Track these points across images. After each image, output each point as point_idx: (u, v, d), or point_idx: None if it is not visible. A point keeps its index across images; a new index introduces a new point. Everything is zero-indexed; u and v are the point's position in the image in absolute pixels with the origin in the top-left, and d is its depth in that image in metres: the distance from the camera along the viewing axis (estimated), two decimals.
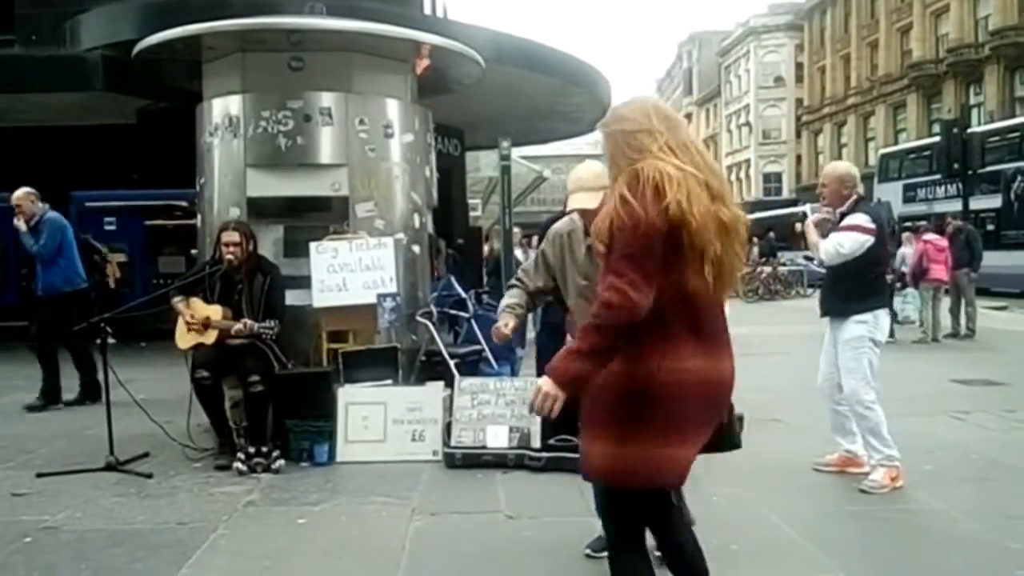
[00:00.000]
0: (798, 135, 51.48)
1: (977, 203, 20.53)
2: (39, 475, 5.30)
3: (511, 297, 3.76)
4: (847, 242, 4.80)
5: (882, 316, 4.96)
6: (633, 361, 2.23)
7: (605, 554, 3.66)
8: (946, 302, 12.57)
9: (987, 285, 16.73)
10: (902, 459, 4.84)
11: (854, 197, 4.99)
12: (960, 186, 20.51)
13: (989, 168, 20.89)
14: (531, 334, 8.59)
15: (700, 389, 2.26)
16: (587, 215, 3.33)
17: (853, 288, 4.92)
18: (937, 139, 22.70)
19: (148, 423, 5.84)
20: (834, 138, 46.14)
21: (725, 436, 2.44)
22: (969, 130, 20.71)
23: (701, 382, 2.26)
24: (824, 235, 4.98)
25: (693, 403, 2.26)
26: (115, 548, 4.04)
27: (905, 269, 12.67)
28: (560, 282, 3.64)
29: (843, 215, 4.93)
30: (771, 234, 30.38)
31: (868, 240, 4.80)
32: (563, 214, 3.84)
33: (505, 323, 3.65)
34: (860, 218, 4.85)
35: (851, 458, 5.12)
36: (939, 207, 22.87)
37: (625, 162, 2.32)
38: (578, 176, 3.45)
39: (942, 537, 4.09)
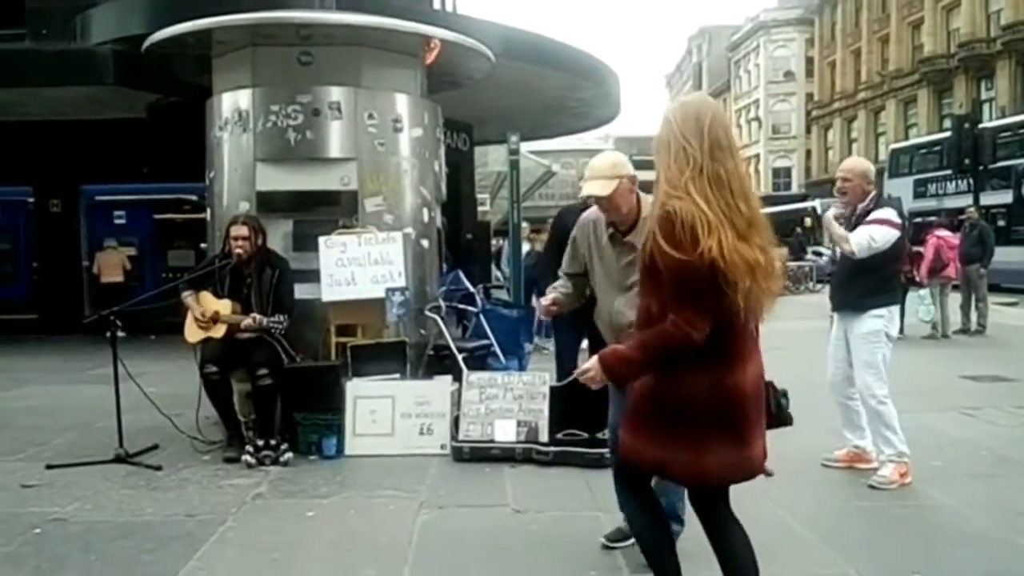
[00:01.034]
0: (808, 130, 51.30)
1: (988, 199, 20.44)
2: (49, 467, 5.33)
3: (559, 283, 3.84)
4: (879, 235, 4.76)
5: (896, 312, 4.96)
6: (712, 373, 2.48)
7: (621, 544, 3.70)
8: (954, 298, 12.52)
9: (997, 281, 16.65)
10: (911, 455, 4.83)
11: (874, 193, 4.98)
12: (971, 181, 20.42)
13: (1000, 163, 20.79)
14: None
15: (748, 398, 2.52)
16: (600, 202, 3.48)
17: (871, 283, 4.89)
18: (948, 134, 22.62)
19: (157, 416, 5.87)
20: (844, 133, 45.96)
21: (775, 415, 2.68)
22: (980, 125, 20.65)
23: (750, 392, 2.53)
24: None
25: (747, 408, 2.53)
26: (124, 540, 4.07)
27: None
28: (588, 268, 3.69)
29: (864, 211, 4.89)
30: (799, 229, 30.26)
31: (896, 235, 4.80)
32: (585, 206, 3.99)
33: (552, 300, 3.75)
34: (889, 212, 4.84)
35: (859, 454, 5.10)
36: (950, 203, 22.77)
37: (663, 167, 2.49)
38: (593, 165, 3.51)
39: (951, 533, 4.08)
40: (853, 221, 4.97)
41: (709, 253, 2.33)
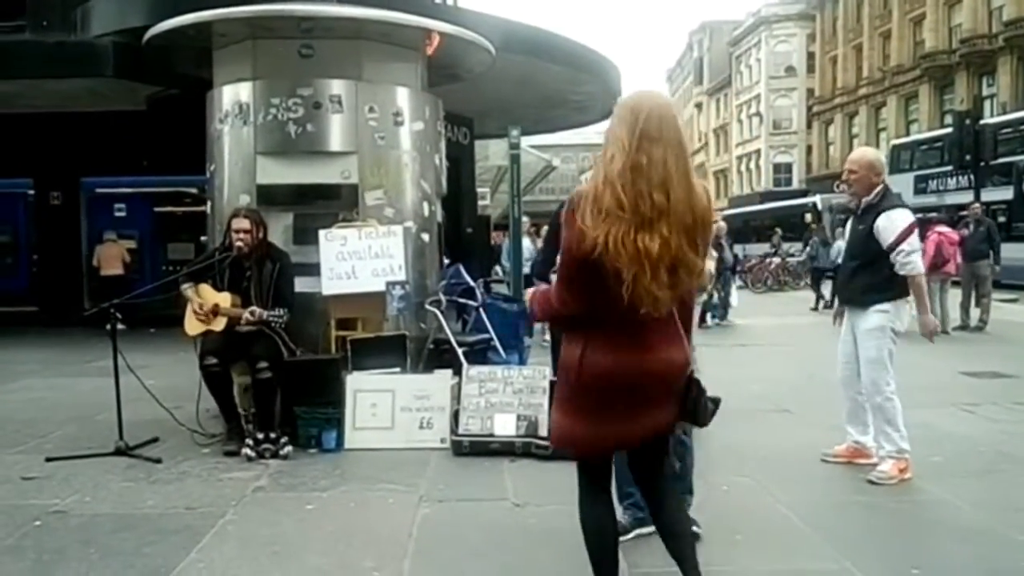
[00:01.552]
0: (809, 125, 51.24)
1: (989, 195, 20.40)
2: (49, 459, 5.33)
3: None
4: (915, 245, 4.79)
5: (902, 306, 4.89)
6: (573, 349, 2.65)
7: (623, 538, 3.69)
8: (953, 295, 12.52)
9: (997, 277, 16.64)
10: (911, 450, 4.83)
11: (881, 187, 4.90)
12: (972, 178, 20.39)
13: (1001, 160, 20.76)
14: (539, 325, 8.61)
15: (620, 379, 2.58)
16: None
17: (873, 278, 4.87)
18: (949, 130, 22.59)
19: (157, 409, 5.87)
20: (845, 129, 45.92)
21: (690, 411, 2.74)
22: (981, 121, 20.61)
23: (620, 373, 2.57)
24: (840, 223, 4.96)
25: (614, 389, 2.60)
26: (124, 532, 4.07)
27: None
28: None
29: (869, 205, 4.87)
30: (778, 229, 30.15)
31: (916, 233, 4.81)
32: None
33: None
34: (906, 215, 4.80)
35: (859, 449, 5.10)
36: (950, 199, 22.76)
37: (601, 154, 2.59)
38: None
39: (950, 529, 4.08)
40: (859, 214, 4.95)
41: (595, 241, 2.41)
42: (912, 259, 4.76)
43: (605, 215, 2.42)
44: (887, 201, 4.86)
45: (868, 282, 4.90)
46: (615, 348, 2.57)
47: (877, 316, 4.85)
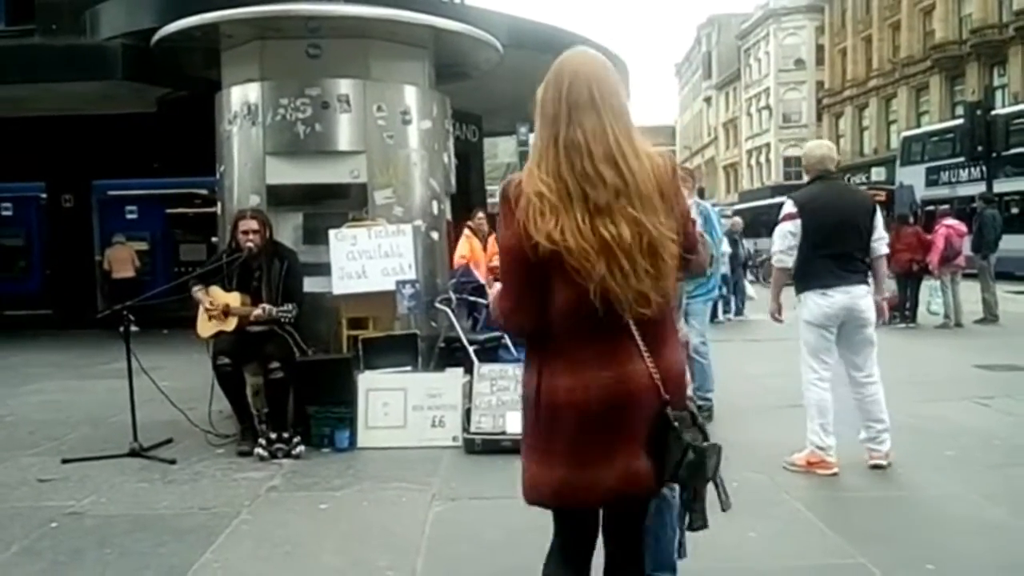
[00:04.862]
0: (819, 118, 50.97)
1: (1001, 186, 20.28)
2: (64, 461, 5.37)
3: None
4: (779, 235, 5.02)
5: (806, 297, 4.90)
6: (529, 375, 2.11)
7: None
8: (972, 287, 12.45)
9: (1012, 269, 16.56)
10: (925, 444, 4.82)
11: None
12: (984, 169, 20.27)
13: (1013, 150, 20.62)
14: None
15: (595, 404, 1.98)
16: None
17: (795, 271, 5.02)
18: (960, 121, 22.46)
19: (171, 410, 5.90)
20: (856, 121, 45.68)
21: (666, 448, 2.01)
22: (993, 112, 20.46)
23: (593, 397, 1.98)
24: None
25: (587, 419, 1.99)
26: (139, 533, 4.09)
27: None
28: None
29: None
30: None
31: (787, 227, 4.92)
32: None
33: None
34: (785, 206, 5.01)
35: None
36: (962, 190, 22.62)
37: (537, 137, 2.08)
38: None
39: (965, 523, 4.06)
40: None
41: (547, 241, 1.91)
42: (771, 249, 5.03)
43: (550, 206, 1.92)
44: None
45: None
46: (580, 365, 1.99)
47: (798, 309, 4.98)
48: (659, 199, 1.98)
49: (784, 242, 4.92)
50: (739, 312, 14.12)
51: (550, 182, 1.95)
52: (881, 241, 4.94)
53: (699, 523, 2.11)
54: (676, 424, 1.98)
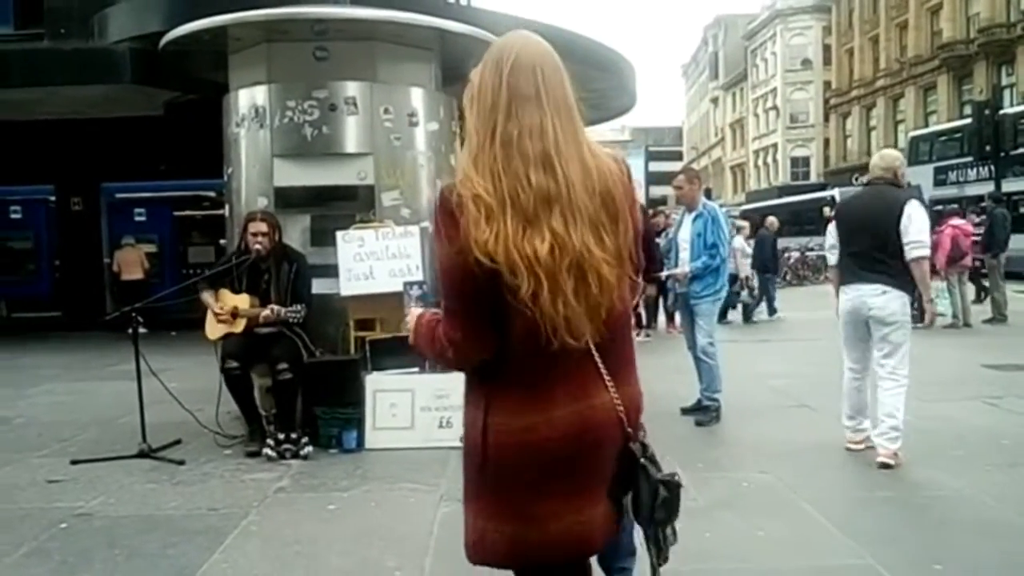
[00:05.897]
0: (826, 119, 50.88)
1: (1009, 185, 20.20)
2: (74, 462, 5.40)
3: None
4: None
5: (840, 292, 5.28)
6: (473, 412, 1.88)
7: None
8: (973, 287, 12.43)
9: (1020, 269, 16.46)
10: (934, 444, 4.82)
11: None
12: (992, 168, 20.20)
13: (1022, 150, 20.55)
14: None
15: (559, 445, 1.74)
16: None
17: None
18: (968, 121, 22.40)
19: (179, 411, 5.92)
20: (863, 121, 45.55)
21: (633, 502, 1.82)
22: (1001, 111, 20.41)
23: (547, 437, 1.74)
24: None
25: (542, 463, 1.75)
26: (148, 534, 4.11)
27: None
28: None
29: None
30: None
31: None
32: None
33: None
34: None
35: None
36: (970, 190, 22.55)
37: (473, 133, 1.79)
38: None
39: (972, 523, 4.05)
40: None
41: (484, 249, 1.64)
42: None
43: (486, 211, 1.66)
44: None
45: None
46: (539, 399, 1.74)
47: None
48: (603, 212, 1.72)
49: (827, 240, 5.46)
50: (772, 311, 14.02)
51: (487, 184, 1.68)
52: (910, 246, 4.83)
53: (667, 555, 1.88)
54: (643, 461, 1.79)
